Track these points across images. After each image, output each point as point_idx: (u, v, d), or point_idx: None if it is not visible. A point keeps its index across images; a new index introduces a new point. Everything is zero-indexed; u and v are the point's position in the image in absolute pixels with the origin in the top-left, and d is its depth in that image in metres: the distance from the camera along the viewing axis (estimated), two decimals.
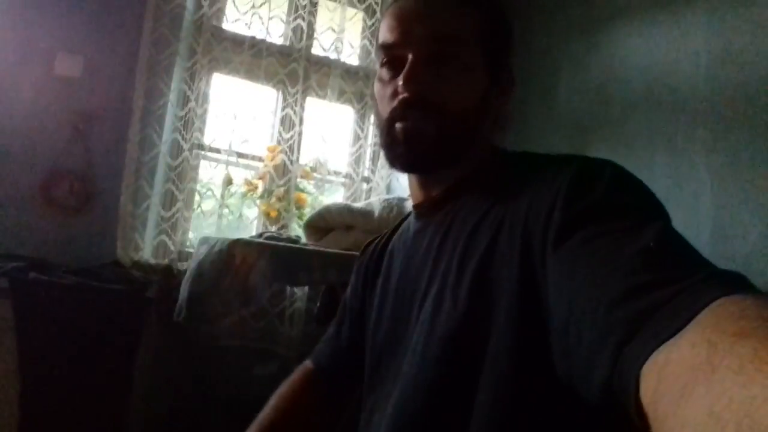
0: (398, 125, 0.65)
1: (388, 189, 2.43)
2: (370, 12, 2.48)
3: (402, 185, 2.35)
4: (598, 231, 0.46)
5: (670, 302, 0.36)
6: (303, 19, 2.31)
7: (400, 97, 0.64)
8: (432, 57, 0.64)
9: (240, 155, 2.25)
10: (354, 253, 1.69)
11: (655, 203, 0.52)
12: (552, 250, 0.49)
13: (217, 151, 2.22)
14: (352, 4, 2.43)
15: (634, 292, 0.39)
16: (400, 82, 0.63)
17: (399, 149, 0.66)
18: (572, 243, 0.48)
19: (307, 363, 0.89)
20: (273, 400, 0.84)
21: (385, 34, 0.67)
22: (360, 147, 2.47)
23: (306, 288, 2.13)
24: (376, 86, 0.70)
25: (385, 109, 0.67)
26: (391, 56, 0.66)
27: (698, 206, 1.51)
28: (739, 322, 0.29)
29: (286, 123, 2.29)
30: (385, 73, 0.68)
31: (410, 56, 0.64)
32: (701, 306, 0.33)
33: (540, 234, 0.52)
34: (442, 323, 0.58)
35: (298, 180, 2.32)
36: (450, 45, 0.64)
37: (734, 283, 0.36)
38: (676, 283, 0.37)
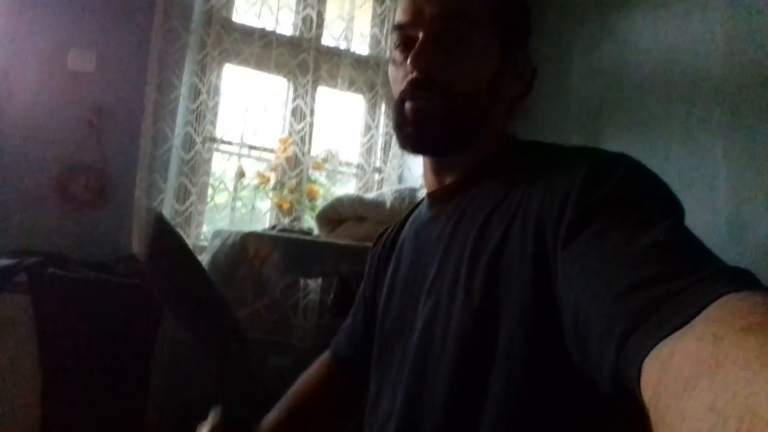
0: (407, 104, 0.66)
1: (400, 179, 2.42)
2: None
3: (414, 175, 2.34)
4: (609, 224, 0.46)
5: (677, 296, 0.35)
6: (312, 9, 2.29)
7: (410, 77, 0.64)
8: (442, 36, 0.63)
9: (252, 147, 2.26)
10: (366, 244, 1.70)
11: (670, 199, 0.52)
12: (563, 244, 0.49)
13: (229, 143, 2.23)
14: None
15: (642, 284, 0.38)
16: (409, 61, 0.64)
17: (407, 129, 0.67)
18: (583, 236, 0.48)
19: (326, 354, 0.90)
20: (292, 390, 0.85)
21: (398, 15, 0.67)
22: (371, 137, 2.46)
23: (319, 280, 2.14)
24: (390, 69, 0.71)
25: (398, 90, 0.68)
26: (404, 37, 0.66)
27: (714, 192, 1.48)
28: (747, 318, 0.29)
29: (297, 114, 2.29)
30: (398, 54, 0.68)
31: (420, 35, 0.64)
32: (709, 301, 0.33)
33: (553, 228, 0.52)
34: (456, 317, 0.59)
35: (310, 171, 2.32)
36: (461, 24, 0.64)
37: (743, 280, 0.36)
38: (684, 277, 0.37)
